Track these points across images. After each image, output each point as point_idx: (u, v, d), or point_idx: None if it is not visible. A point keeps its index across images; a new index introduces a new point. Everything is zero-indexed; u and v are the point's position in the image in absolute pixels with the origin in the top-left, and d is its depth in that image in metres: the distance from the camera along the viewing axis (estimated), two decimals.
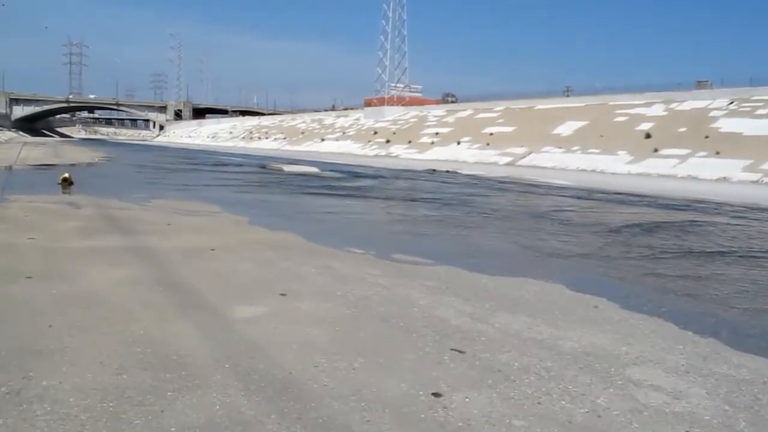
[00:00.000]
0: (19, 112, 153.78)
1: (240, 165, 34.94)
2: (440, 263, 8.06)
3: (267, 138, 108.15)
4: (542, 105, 68.73)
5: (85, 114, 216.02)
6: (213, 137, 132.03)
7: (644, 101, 60.13)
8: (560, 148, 55.57)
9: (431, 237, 10.78)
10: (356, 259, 8.24)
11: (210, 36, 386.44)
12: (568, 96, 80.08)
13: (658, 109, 56.94)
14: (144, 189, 17.75)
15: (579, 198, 20.15)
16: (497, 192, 22.29)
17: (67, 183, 18.01)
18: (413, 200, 17.79)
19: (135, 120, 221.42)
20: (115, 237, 9.07)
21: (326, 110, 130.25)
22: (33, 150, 46.48)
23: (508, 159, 56.90)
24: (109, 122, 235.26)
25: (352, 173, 31.54)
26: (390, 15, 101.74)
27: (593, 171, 48.27)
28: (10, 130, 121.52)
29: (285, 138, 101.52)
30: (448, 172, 37.05)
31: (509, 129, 64.78)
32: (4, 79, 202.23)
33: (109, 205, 12.97)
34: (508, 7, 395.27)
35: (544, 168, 50.51)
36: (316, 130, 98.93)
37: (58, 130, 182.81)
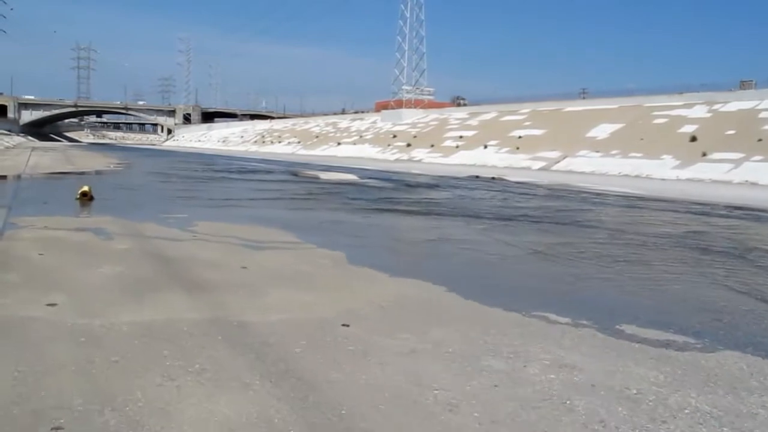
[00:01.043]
0: (28, 116, 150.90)
1: (269, 172, 31.45)
2: (712, 345, 4.57)
3: (280, 142, 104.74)
4: (571, 107, 65.14)
5: (93, 118, 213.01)
6: (224, 141, 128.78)
7: (683, 102, 56.57)
8: (597, 152, 52.04)
9: (618, 284, 7.35)
10: (579, 338, 4.85)
11: (218, 41, 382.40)
12: (584, 98, 76.63)
13: (700, 111, 53.32)
14: (181, 206, 14.47)
15: (702, 214, 16.49)
16: (585, 204, 18.78)
17: (86, 198, 14.52)
18: (507, 219, 14.25)
19: (143, 124, 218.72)
20: (180, 298, 5.68)
21: (336, 114, 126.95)
22: (43, 156, 43.09)
23: (541, 163, 53.34)
24: (116, 126, 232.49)
25: (393, 181, 28.40)
26: (408, 15, 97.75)
27: (638, 176, 44.82)
28: (18, 135, 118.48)
29: (299, 142, 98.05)
30: (494, 179, 33.53)
31: (539, 132, 61.19)
32: (13, 83, 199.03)
33: (147, 233, 9.62)
34: (516, 9, 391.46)
35: (582, 173, 47.26)
36: (331, 134, 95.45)
37: (67, 134, 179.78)
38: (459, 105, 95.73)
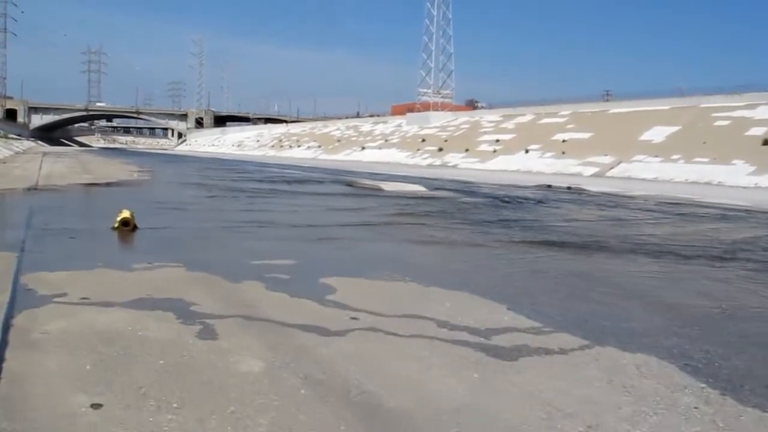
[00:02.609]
0: (38, 120, 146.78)
1: (319, 182, 26.86)
2: None
3: (299, 146, 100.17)
4: (616, 109, 60.37)
5: (103, 123, 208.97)
6: (239, 146, 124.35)
7: (745, 103, 51.90)
8: (656, 156, 47.26)
9: None
10: None
11: (229, 44, 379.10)
12: (607, 100, 72.21)
13: (765, 112, 48.26)
14: (266, 241, 10.24)
15: None
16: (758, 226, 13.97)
17: (128, 228, 9.72)
18: (713, 258, 9.34)
19: (153, 129, 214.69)
20: None
21: (351, 117, 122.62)
22: (56, 163, 38.49)
23: (593, 169, 48.54)
24: (126, 131, 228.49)
25: (468, 192, 24.69)
26: (434, 13, 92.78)
27: (708, 183, 40.35)
28: (28, 139, 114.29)
29: (320, 146, 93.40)
30: (570, 188, 28.72)
31: (584, 135, 56.35)
32: (23, 87, 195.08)
33: (267, 312, 5.37)
34: (529, 12, 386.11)
35: (643, 180, 42.84)
36: (354, 138, 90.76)
37: (77, 139, 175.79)
38: (474, 108, 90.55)
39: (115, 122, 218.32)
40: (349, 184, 25.86)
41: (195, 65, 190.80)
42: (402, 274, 7.17)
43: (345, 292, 6.24)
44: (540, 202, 20.32)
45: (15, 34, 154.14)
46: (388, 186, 24.19)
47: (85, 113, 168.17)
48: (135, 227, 10.36)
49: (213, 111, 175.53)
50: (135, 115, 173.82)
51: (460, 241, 10.66)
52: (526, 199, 21.52)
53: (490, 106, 77.91)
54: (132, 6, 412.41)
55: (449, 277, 7.32)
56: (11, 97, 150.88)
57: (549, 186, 31.14)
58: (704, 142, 46.09)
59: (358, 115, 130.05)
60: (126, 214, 10.37)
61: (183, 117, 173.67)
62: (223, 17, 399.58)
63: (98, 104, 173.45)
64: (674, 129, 51.12)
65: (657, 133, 51.49)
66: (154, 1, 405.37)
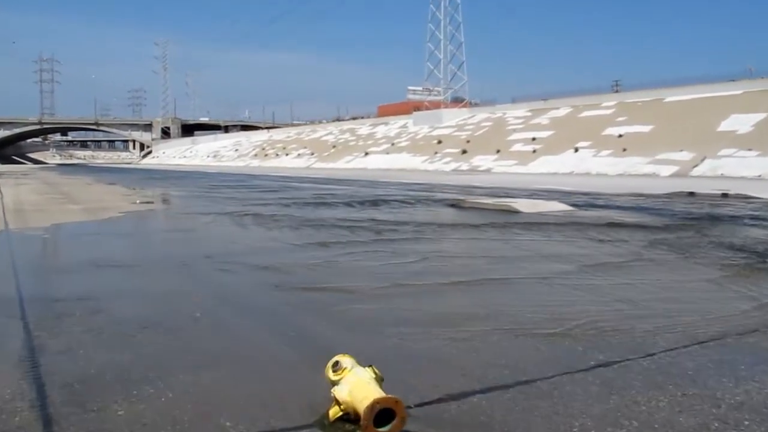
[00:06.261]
0: None
1: (405, 202, 19.28)
2: None
3: (287, 154, 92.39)
4: (674, 97, 53.40)
5: (57, 137, 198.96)
6: (214, 156, 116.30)
7: None
8: (749, 150, 40.33)
9: None
10: None
11: (192, 49, 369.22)
12: (617, 91, 65.69)
13: None
14: None
15: None
16: None
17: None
18: None
19: (113, 141, 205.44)
20: None
21: (331, 121, 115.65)
22: (18, 186, 30.71)
23: (670, 168, 41.37)
24: (84, 145, 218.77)
25: (625, 209, 17.92)
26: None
27: None
28: None
29: (312, 153, 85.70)
30: (727, 195, 21.54)
31: (643, 129, 49.26)
32: None
33: None
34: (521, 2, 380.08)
35: (743, 178, 35.42)
36: (352, 143, 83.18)
37: (30, 155, 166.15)
38: (466, 105, 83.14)
39: (71, 136, 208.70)
40: (453, 205, 18.18)
41: (159, 70, 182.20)
42: None
43: None
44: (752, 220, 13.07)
45: None
46: (527, 208, 16.74)
47: (38, 127, 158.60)
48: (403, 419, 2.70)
49: (180, 119, 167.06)
50: (94, 127, 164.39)
51: None
52: (736, 217, 14.45)
53: (514, 101, 70.50)
54: (86, 12, 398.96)
55: None
56: None
57: (691, 193, 23.80)
58: None
59: (338, 119, 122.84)
60: (376, 381, 2.81)
61: (147, 127, 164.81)
62: (185, 22, 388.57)
63: (53, 116, 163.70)
64: (761, 116, 44.32)
65: (739, 123, 44.63)
66: (110, 7, 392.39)
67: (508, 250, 9.97)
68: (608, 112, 57.29)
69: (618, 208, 18.39)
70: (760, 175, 37.24)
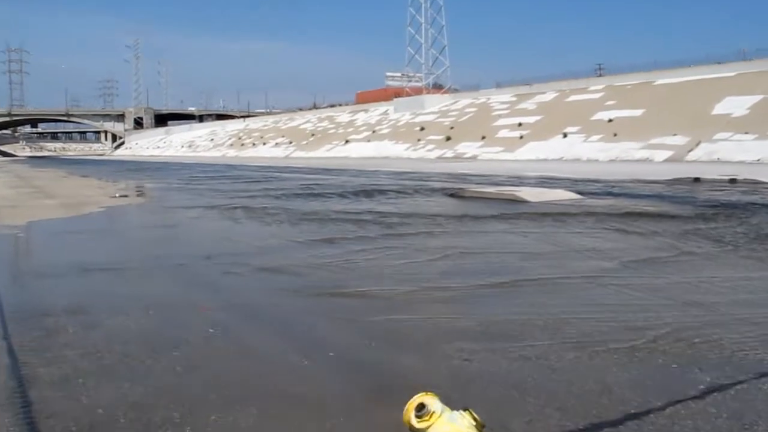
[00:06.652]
0: None
1: (402, 193, 18.43)
2: None
3: (264, 144, 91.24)
4: (665, 79, 53.05)
5: (27, 128, 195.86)
6: (190, 147, 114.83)
7: None
8: (745, 133, 39.99)
9: None
10: None
11: (165, 38, 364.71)
12: (600, 75, 65.51)
13: None
14: None
15: None
16: None
17: None
18: None
19: (84, 133, 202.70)
20: None
21: (306, 109, 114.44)
22: None
23: (665, 153, 41.02)
24: (54, 137, 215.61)
25: (648, 197, 17.30)
26: None
27: None
28: None
29: (291, 142, 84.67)
30: (735, 181, 21.09)
31: (634, 113, 48.84)
32: None
33: None
34: None
35: (742, 163, 35.11)
36: (331, 130, 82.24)
37: (0, 148, 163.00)
38: (447, 92, 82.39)
39: (42, 127, 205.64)
40: (453, 194, 17.43)
41: (131, 59, 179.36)
42: None
43: None
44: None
45: None
46: (535, 197, 16.03)
47: (8, 119, 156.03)
48: None
49: (153, 109, 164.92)
50: (65, 118, 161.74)
51: None
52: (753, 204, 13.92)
53: (498, 86, 69.85)
54: (55, 1, 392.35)
55: None
56: None
57: (696, 179, 23.24)
58: None
59: (315, 107, 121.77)
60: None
61: (120, 117, 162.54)
62: (158, 10, 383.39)
63: (23, 108, 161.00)
64: (756, 99, 43.94)
65: (733, 105, 44.23)
66: None
67: (532, 245, 9.25)
68: (596, 96, 56.81)
69: (628, 195, 17.78)
70: (759, 159, 36.87)
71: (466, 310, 5.58)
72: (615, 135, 47.91)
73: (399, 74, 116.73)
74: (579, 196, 17.01)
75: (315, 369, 4.07)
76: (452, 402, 2.85)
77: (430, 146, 61.72)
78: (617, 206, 14.49)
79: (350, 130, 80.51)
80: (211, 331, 4.88)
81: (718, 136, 42.10)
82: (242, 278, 6.94)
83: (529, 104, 61.97)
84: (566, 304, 5.86)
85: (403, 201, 17.00)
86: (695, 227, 10.77)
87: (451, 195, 18.31)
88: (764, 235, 9.83)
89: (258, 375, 3.99)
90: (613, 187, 20.76)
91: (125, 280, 6.94)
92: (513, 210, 13.78)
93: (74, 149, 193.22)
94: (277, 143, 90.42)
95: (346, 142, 74.71)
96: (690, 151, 41.88)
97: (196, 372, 4.03)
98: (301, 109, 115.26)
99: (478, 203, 15.89)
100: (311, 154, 74.96)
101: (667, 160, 41.39)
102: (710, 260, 7.91)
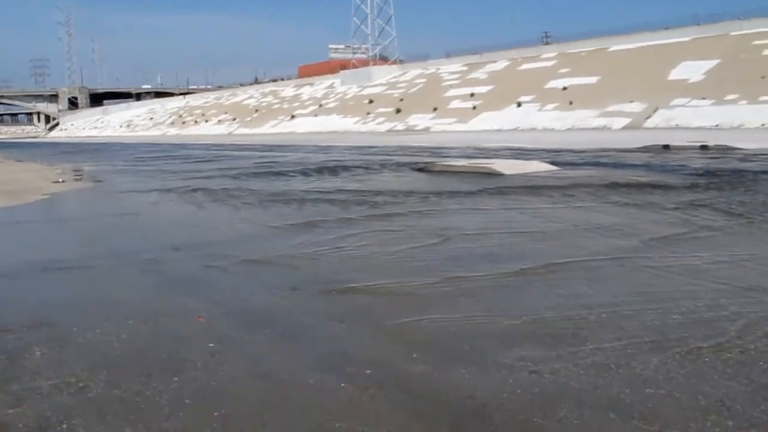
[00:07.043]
0: None
1: (368, 168, 17.79)
2: None
3: (207, 121, 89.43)
4: (619, 45, 53.19)
5: None
6: (128, 126, 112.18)
7: None
8: (702, 99, 40.24)
9: None
10: None
11: (98, 14, 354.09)
12: (547, 43, 65.75)
13: None
14: None
15: None
16: None
17: None
18: None
19: (15, 115, 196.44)
20: None
21: (248, 84, 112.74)
22: None
23: (623, 120, 41.18)
24: None
25: (636, 167, 16.98)
26: None
27: None
28: None
29: (234, 119, 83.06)
30: (706, 147, 21.01)
31: (589, 80, 48.84)
32: None
33: None
34: None
35: (700, 129, 35.43)
36: (276, 106, 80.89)
37: None
38: (393, 63, 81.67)
39: None
40: (422, 169, 16.79)
41: (63, 36, 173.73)
42: None
43: None
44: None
45: None
46: (509, 169, 15.45)
47: None
48: None
49: (88, 88, 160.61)
50: None
51: None
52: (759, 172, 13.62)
53: (447, 56, 69.25)
54: None
55: None
56: None
57: (666, 146, 23.04)
58: (762, 77, 39.02)
59: (257, 81, 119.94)
60: None
61: (53, 98, 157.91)
62: None
63: None
64: (711, 64, 44.19)
65: (690, 71, 44.43)
66: None
67: (534, 223, 8.60)
68: (549, 64, 56.60)
69: (605, 165, 17.40)
70: (717, 125, 36.98)
71: (504, 306, 4.87)
72: (570, 103, 47.72)
73: (342, 46, 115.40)
74: (555, 168, 16.51)
75: (358, 395, 3.32)
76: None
77: (380, 119, 60.89)
78: (600, 177, 14.02)
79: (296, 104, 79.16)
80: (212, 346, 4.03)
81: (675, 102, 42.16)
82: (228, 274, 6.11)
83: (480, 74, 61.49)
84: (609, 292, 5.22)
85: (372, 177, 16.27)
86: (695, 198, 10.29)
87: (420, 170, 17.67)
88: None
89: (290, 408, 3.21)
90: (586, 156, 20.28)
91: (92, 282, 6.07)
92: (493, 184, 13.18)
93: (5, 132, 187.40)
94: (220, 120, 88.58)
95: (292, 117, 73.44)
96: (648, 117, 41.85)
97: (209, 406, 3.20)
98: (242, 85, 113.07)
99: (452, 178, 15.26)
100: (256, 130, 73.54)
101: (625, 128, 41.34)
102: (734, 236, 7.43)
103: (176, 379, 3.55)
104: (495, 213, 9.59)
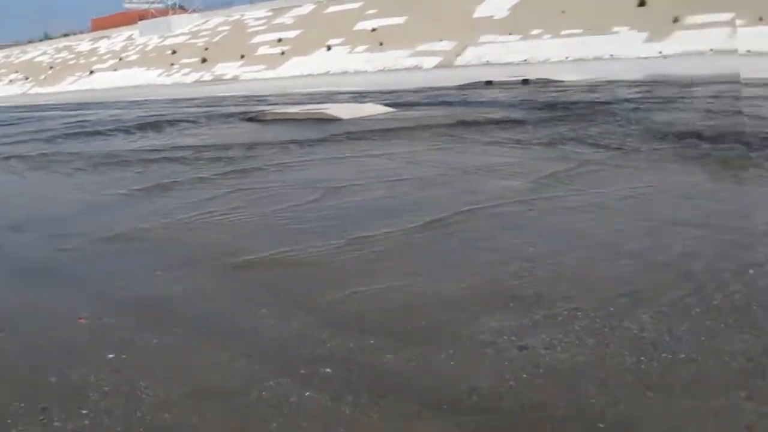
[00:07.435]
0: None
1: (195, 122, 16.60)
2: None
3: None
4: None
5: None
6: None
7: None
8: (510, 34, 41.89)
9: None
10: None
11: None
12: None
13: None
14: None
15: None
16: None
17: None
18: None
19: None
20: None
21: (38, 40, 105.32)
22: None
23: (434, 59, 42.03)
24: None
25: (474, 103, 17.11)
26: None
27: (598, 59, 35.87)
28: None
29: (27, 78, 77.06)
30: (527, 82, 21.74)
31: (398, 20, 49.26)
32: None
33: None
34: None
35: (510, 64, 36.87)
36: (72, 61, 75.72)
37: None
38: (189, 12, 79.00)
39: None
40: (252, 119, 15.99)
41: None
42: None
43: None
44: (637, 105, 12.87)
45: None
46: (338, 112, 14.99)
47: None
48: None
49: None
50: None
51: None
52: (608, 102, 14.32)
53: (251, 2, 67.09)
54: None
55: None
56: None
57: (489, 82, 23.43)
58: (563, 12, 40.84)
59: (47, 37, 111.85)
60: None
61: None
62: None
63: None
64: (514, 1, 45.32)
65: (495, 7, 45.72)
66: None
67: (409, 169, 8.08)
68: (356, 5, 56.18)
69: (438, 104, 17.28)
70: (526, 60, 38.07)
71: (435, 269, 4.28)
72: (381, 44, 47.59)
73: None
74: (392, 109, 16.11)
75: (336, 406, 2.57)
76: None
77: (186, 70, 58.30)
78: (444, 116, 13.75)
79: (93, 59, 74.24)
80: (111, 357, 3.12)
81: (483, 38, 42.98)
82: (91, 257, 5.07)
83: (286, 18, 60.13)
84: (541, 241, 4.75)
85: (203, 131, 15.12)
86: (556, 132, 10.18)
87: (251, 119, 16.65)
88: (649, 132, 9.29)
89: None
90: (416, 97, 20.01)
91: None
92: (337, 130, 12.54)
93: None
94: (11, 80, 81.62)
95: (91, 72, 68.85)
96: (458, 55, 42.45)
97: None
98: (31, 41, 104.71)
99: (289, 126, 14.48)
100: (53, 89, 68.36)
101: (437, 66, 41.73)
102: (622, 168, 7.19)
103: (86, 422, 2.62)
104: (359, 160, 8.95)
